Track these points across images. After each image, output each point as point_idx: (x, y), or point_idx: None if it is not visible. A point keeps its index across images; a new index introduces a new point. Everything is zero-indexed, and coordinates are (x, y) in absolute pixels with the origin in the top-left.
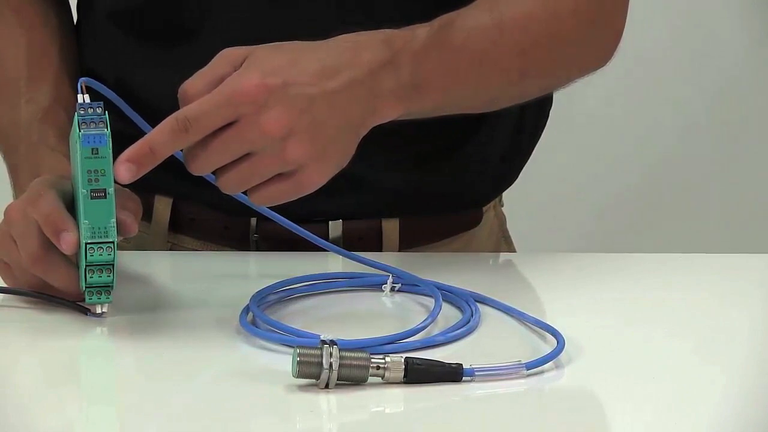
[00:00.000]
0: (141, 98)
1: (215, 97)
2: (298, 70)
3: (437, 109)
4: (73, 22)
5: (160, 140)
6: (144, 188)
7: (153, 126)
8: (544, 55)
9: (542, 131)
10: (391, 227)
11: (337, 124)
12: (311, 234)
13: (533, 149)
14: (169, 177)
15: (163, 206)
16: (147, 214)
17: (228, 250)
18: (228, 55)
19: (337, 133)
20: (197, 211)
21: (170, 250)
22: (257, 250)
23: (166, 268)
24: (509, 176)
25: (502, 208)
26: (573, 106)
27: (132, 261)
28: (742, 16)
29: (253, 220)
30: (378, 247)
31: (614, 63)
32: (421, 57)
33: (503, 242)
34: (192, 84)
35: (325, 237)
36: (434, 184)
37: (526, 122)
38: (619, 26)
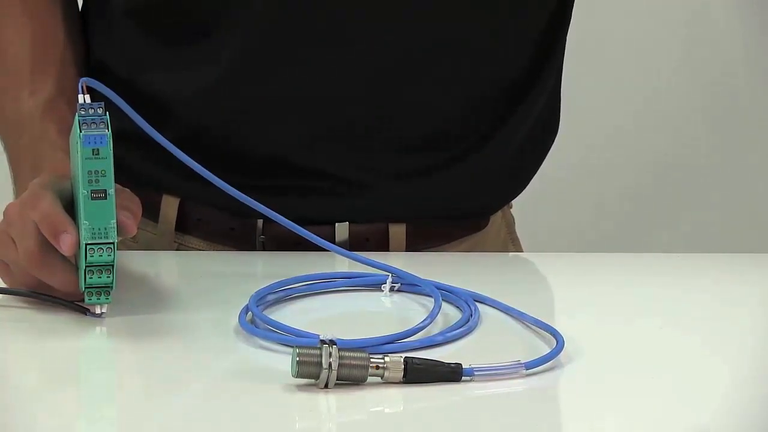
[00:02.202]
0: (148, 94)
1: None
2: None
3: None
4: (78, 10)
5: None
6: (151, 188)
7: (154, 127)
8: None
9: (550, 147)
10: (397, 231)
11: None
12: (312, 234)
13: (541, 164)
14: (176, 177)
15: (170, 206)
16: (154, 214)
17: (234, 251)
18: None
19: None
20: (204, 211)
21: (177, 250)
22: (264, 251)
23: (166, 268)
24: (517, 188)
25: (511, 210)
26: (576, 109)
27: (134, 260)
28: (742, 15)
29: (260, 222)
30: (385, 250)
31: (616, 64)
32: None
33: (510, 244)
34: None
35: (332, 239)
36: (442, 193)
37: (536, 138)
38: None
